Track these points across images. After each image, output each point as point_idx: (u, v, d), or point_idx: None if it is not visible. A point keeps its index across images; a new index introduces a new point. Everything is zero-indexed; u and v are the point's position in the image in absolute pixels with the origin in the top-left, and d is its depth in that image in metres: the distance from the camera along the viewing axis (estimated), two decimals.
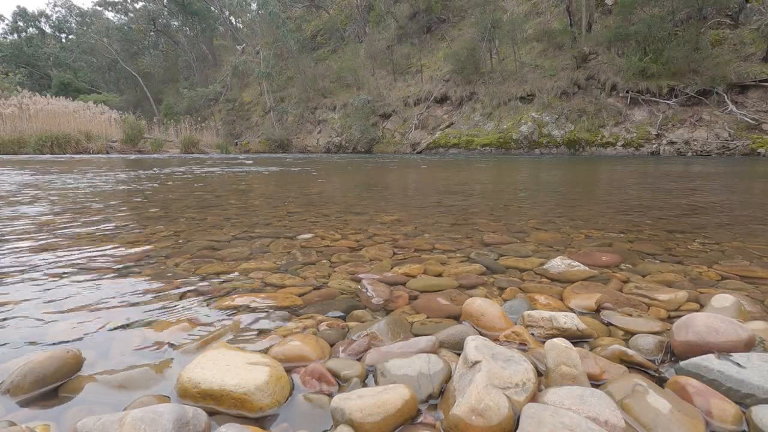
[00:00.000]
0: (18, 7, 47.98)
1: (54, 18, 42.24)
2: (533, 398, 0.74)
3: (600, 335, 1.06)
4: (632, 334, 1.06)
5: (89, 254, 1.81)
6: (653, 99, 15.06)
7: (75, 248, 1.91)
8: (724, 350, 0.87)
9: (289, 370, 0.88)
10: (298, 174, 7.12)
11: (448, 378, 0.84)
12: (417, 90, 20.94)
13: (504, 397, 0.70)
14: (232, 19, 38.42)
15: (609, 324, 1.13)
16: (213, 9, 34.74)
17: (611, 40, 16.15)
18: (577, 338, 1.02)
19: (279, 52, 27.76)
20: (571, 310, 1.22)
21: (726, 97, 13.82)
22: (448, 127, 19.00)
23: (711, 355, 0.84)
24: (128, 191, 4.38)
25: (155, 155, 16.92)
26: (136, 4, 36.23)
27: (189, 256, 1.80)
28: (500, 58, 19.63)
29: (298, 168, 8.79)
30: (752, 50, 14.31)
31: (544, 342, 0.95)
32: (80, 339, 1.04)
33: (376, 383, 0.84)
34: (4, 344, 1.01)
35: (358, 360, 0.94)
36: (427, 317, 1.19)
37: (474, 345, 0.82)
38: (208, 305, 1.26)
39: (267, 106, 26.84)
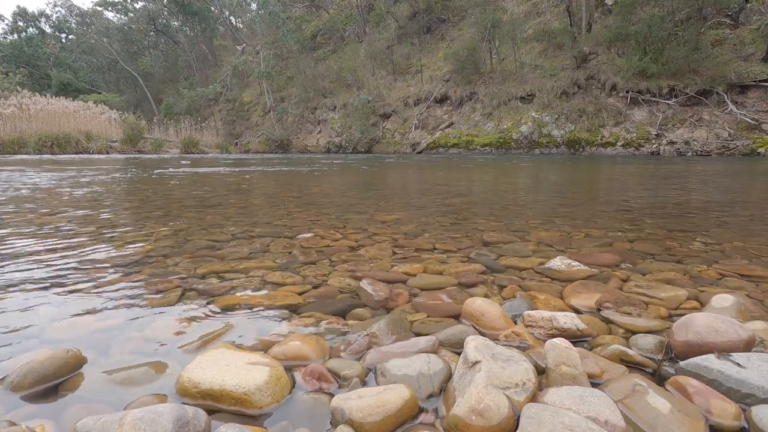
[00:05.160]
0: (18, 7, 47.96)
1: (54, 18, 42.22)
2: (533, 398, 0.74)
3: (600, 335, 1.06)
4: (632, 333, 1.06)
5: (89, 253, 1.81)
6: (653, 99, 15.05)
7: (75, 247, 1.91)
8: (724, 350, 0.87)
9: (289, 370, 0.88)
10: (298, 174, 7.13)
11: (448, 378, 0.84)
12: (417, 90, 20.93)
13: (504, 397, 0.70)
14: (232, 19, 38.39)
15: (609, 323, 1.13)
16: (213, 9, 34.70)
17: (611, 40, 16.14)
18: (577, 338, 1.02)
19: (279, 52, 27.74)
20: (572, 309, 1.22)
21: (726, 97, 13.82)
22: (448, 127, 18.99)
23: (711, 355, 0.84)
24: (128, 191, 4.38)
25: (155, 155, 16.92)
26: (136, 4, 36.21)
27: (189, 255, 1.80)
28: (500, 58, 19.63)
29: (298, 168, 8.80)
30: (752, 50, 14.31)
31: (544, 342, 0.95)
32: (80, 338, 1.04)
33: (377, 383, 0.84)
34: (5, 344, 1.01)
35: (358, 360, 0.94)
36: (427, 316, 1.19)
37: (474, 345, 0.82)
38: (208, 304, 1.26)
39: (267, 106, 26.82)
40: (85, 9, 46.25)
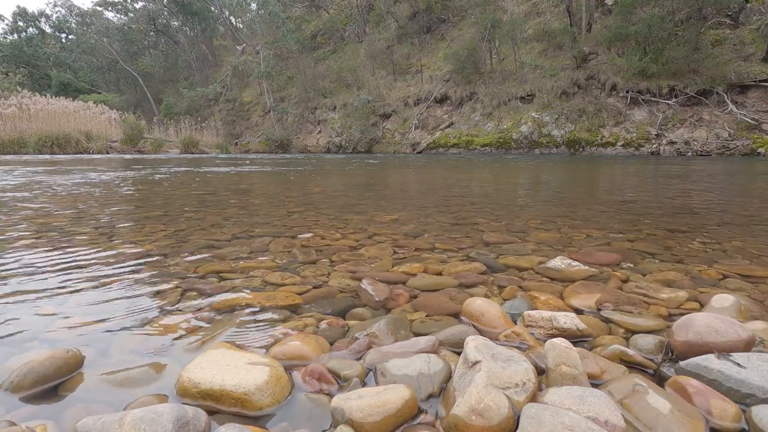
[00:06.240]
0: (18, 7, 47.94)
1: (54, 18, 42.18)
2: (533, 398, 0.74)
3: (600, 335, 1.06)
4: (632, 333, 1.06)
5: (89, 253, 1.81)
6: (653, 99, 15.05)
7: (75, 247, 1.91)
8: (724, 350, 0.87)
9: (289, 370, 0.88)
10: (298, 174, 7.12)
11: (448, 378, 0.84)
12: (417, 90, 20.92)
13: (504, 397, 0.70)
14: (232, 19, 38.37)
15: (609, 323, 1.13)
16: (213, 9, 34.69)
17: (611, 40, 16.14)
18: (577, 338, 1.02)
19: (279, 52, 27.73)
20: (572, 309, 1.22)
21: (726, 97, 13.81)
22: (448, 127, 18.99)
23: (711, 355, 0.84)
24: (128, 191, 4.38)
25: (155, 155, 16.92)
26: (136, 4, 36.19)
27: (189, 255, 1.80)
28: (500, 58, 19.62)
29: (298, 168, 8.79)
30: (752, 50, 14.30)
31: (544, 342, 0.95)
32: (80, 338, 1.04)
33: (377, 383, 0.84)
34: (5, 343, 1.01)
35: (358, 359, 0.94)
36: (427, 316, 1.19)
37: (474, 345, 0.82)
38: (207, 304, 1.26)
39: (267, 106, 26.81)
40: (85, 9, 46.22)
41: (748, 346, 0.89)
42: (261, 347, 1.00)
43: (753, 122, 13.21)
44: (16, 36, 39.47)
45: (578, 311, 1.20)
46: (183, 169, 8.33)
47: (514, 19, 19.07)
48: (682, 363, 0.86)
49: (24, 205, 3.29)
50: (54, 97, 21.08)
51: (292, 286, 1.41)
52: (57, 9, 46.99)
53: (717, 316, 0.95)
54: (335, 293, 1.36)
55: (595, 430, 0.62)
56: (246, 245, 1.98)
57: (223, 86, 29.64)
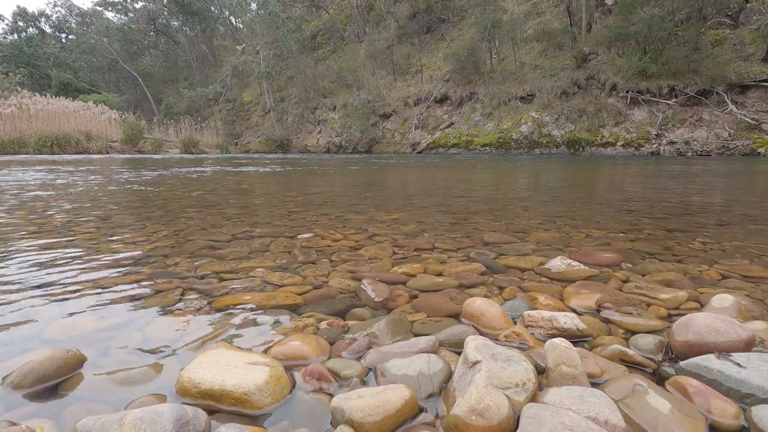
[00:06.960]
0: (18, 7, 47.93)
1: (54, 18, 42.20)
2: (533, 398, 0.74)
3: (600, 335, 1.06)
4: (632, 333, 1.06)
5: (89, 253, 1.81)
6: (653, 99, 15.06)
7: (75, 247, 1.91)
8: (724, 350, 0.87)
9: (289, 370, 0.88)
10: (298, 174, 7.12)
11: (448, 378, 0.84)
12: (417, 90, 20.93)
13: (504, 397, 0.70)
14: (232, 19, 38.39)
15: (609, 324, 1.13)
16: (213, 9, 34.70)
17: (611, 40, 16.15)
18: (577, 338, 1.02)
19: (279, 52, 27.74)
20: (572, 309, 1.22)
21: (726, 97, 13.82)
22: (448, 127, 18.99)
23: (711, 355, 0.84)
24: (128, 191, 4.38)
25: (155, 155, 16.92)
26: (136, 4, 36.22)
27: (189, 255, 1.80)
28: (500, 58, 19.63)
29: (299, 168, 8.79)
30: (752, 50, 14.31)
31: (544, 342, 0.95)
32: (80, 338, 1.04)
33: (377, 383, 0.84)
34: (5, 343, 1.01)
35: (358, 359, 0.94)
36: (427, 316, 1.19)
37: (474, 345, 0.82)
38: (208, 304, 1.26)
39: (267, 106, 26.82)
40: (85, 9, 46.21)
41: (748, 346, 0.89)
42: (261, 347, 1.00)
43: (753, 122, 13.21)
44: (16, 36, 39.48)
45: (578, 312, 1.20)
46: (183, 169, 8.32)
47: (514, 19, 19.08)
48: (682, 363, 0.86)
49: (25, 204, 3.29)
50: (54, 97, 21.07)
51: (292, 287, 1.41)
52: (57, 9, 47.00)
53: (717, 316, 0.95)
54: (335, 293, 1.36)
55: (595, 430, 0.62)
56: (246, 245, 1.98)
57: (223, 86, 29.64)
